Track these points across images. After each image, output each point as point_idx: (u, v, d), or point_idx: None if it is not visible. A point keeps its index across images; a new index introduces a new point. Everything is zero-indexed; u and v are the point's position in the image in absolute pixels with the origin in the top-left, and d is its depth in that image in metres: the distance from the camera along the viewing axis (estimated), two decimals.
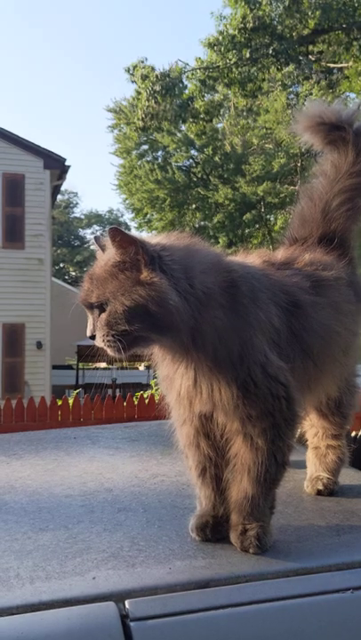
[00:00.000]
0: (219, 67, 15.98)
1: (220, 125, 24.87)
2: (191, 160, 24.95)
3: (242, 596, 1.09)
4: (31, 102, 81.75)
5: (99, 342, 1.25)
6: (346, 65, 16.93)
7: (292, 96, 21.00)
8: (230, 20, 15.63)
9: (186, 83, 16.73)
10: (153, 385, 9.92)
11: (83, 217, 43.43)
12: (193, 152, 24.61)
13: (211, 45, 15.87)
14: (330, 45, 17.05)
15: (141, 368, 15.37)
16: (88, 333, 1.27)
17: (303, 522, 1.45)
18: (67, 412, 7.34)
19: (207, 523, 1.34)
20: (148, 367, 13.13)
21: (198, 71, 16.44)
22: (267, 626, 1.07)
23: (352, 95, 17.22)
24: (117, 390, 12.83)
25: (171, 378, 1.32)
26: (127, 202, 26.97)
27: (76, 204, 44.13)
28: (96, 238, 1.35)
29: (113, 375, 13.78)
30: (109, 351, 1.24)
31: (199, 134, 21.03)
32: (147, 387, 12.51)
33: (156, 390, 7.41)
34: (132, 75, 16.08)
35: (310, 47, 17.09)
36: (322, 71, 18.00)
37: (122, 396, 7.54)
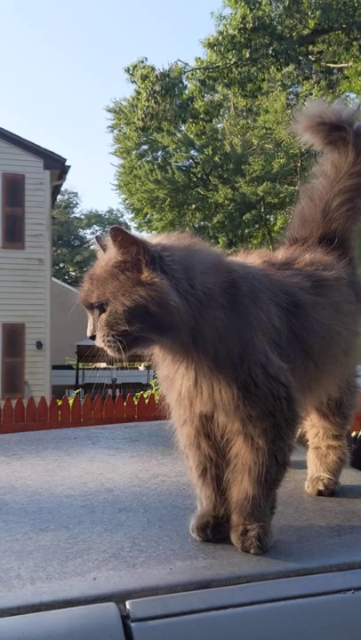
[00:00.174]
0: (219, 67, 15.97)
1: (219, 125, 24.90)
2: (191, 160, 24.96)
3: (243, 597, 1.09)
4: (31, 102, 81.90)
5: (99, 343, 1.24)
6: (346, 65, 16.92)
7: (291, 96, 21.03)
8: (230, 20, 15.62)
9: (186, 83, 16.71)
10: (153, 385, 9.92)
11: (83, 217, 43.46)
12: (193, 152, 24.63)
13: (211, 45, 15.85)
14: (330, 45, 17.04)
15: (141, 368, 15.38)
16: (88, 334, 1.26)
17: (304, 522, 1.45)
18: (67, 412, 7.35)
19: (208, 523, 1.34)
20: (148, 367, 13.13)
21: (198, 71, 16.42)
22: (268, 626, 1.07)
23: (352, 95, 17.24)
24: (117, 390, 12.83)
25: (171, 378, 1.32)
26: (127, 202, 27.01)
27: (76, 204, 44.17)
28: (97, 238, 1.35)
29: (113, 375, 13.78)
30: (110, 351, 1.24)
31: (199, 134, 21.01)
32: (147, 387, 12.52)
33: (156, 390, 7.41)
34: (132, 75, 16.06)
35: (310, 47, 17.07)
36: (322, 71, 17.99)
37: (122, 396, 7.55)
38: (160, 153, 25.50)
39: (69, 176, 16.96)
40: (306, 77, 18.05)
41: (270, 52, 15.59)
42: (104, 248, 1.31)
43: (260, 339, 1.29)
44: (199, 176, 24.44)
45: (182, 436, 1.39)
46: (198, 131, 19.41)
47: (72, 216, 42.99)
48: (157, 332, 1.22)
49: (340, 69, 17.38)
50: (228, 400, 1.26)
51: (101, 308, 1.23)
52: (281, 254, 1.57)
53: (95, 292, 1.24)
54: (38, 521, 1.46)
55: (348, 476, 1.76)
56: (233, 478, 1.33)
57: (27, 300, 14.43)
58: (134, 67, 15.97)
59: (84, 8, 74.26)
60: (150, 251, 1.22)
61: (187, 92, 16.60)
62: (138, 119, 16.51)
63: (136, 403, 7.44)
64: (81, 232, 42.67)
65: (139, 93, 16.12)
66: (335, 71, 17.73)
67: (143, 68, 15.82)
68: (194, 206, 24.70)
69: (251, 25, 15.05)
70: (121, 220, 39.67)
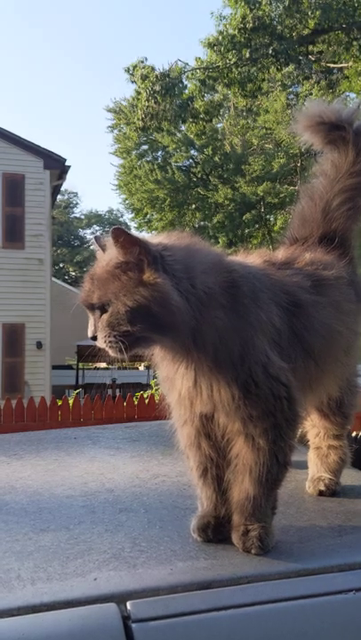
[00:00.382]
0: (219, 67, 15.97)
1: (219, 125, 24.89)
2: (191, 160, 24.96)
3: (244, 597, 1.09)
4: (31, 102, 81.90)
5: (100, 343, 1.24)
6: (346, 65, 16.92)
7: (291, 96, 21.03)
8: (230, 20, 15.62)
9: (186, 83, 16.71)
10: (153, 385, 9.92)
11: (83, 217, 43.47)
12: (193, 152, 24.63)
13: (211, 45, 15.85)
14: (330, 45, 17.04)
15: (141, 368, 15.39)
16: (89, 334, 1.26)
17: (305, 522, 1.44)
18: (67, 412, 7.35)
19: (209, 523, 1.34)
20: (148, 367, 13.13)
21: (198, 71, 16.42)
22: (269, 627, 1.07)
23: (352, 95, 17.23)
24: (117, 390, 12.83)
25: (171, 378, 1.32)
26: (127, 202, 27.02)
27: (76, 204, 44.19)
28: (96, 238, 1.34)
29: (113, 375, 13.78)
30: (111, 352, 1.23)
31: (199, 134, 21.01)
32: (147, 387, 12.52)
33: (157, 390, 7.41)
34: (132, 75, 16.06)
35: (310, 47, 17.07)
36: (322, 71, 17.99)
37: (122, 396, 7.54)
38: (160, 153, 25.50)
39: (69, 176, 16.97)
40: (306, 77, 18.05)
41: (270, 51, 15.59)
42: (103, 248, 1.30)
43: (260, 338, 1.29)
44: (199, 176, 24.44)
45: (183, 437, 1.39)
46: (198, 131, 19.41)
47: (72, 216, 43.01)
48: (158, 332, 1.22)
49: (340, 69, 17.38)
50: (228, 400, 1.26)
51: (103, 308, 1.23)
52: (281, 254, 1.57)
53: (96, 292, 1.23)
54: (39, 521, 1.46)
55: (350, 476, 1.76)
56: (234, 478, 1.33)
57: (27, 300, 14.43)
58: (134, 67, 15.98)
59: (84, 8, 74.33)
60: (152, 251, 1.21)
61: (187, 91, 16.61)
62: (138, 119, 16.51)
63: (136, 403, 7.44)
64: (81, 232, 42.70)
65: (139, 93, 16.12)
66: (335, 71, 17.73)
67: (143, 67, 15.82)
68: (194, 206, 24.70)
69: (251, 25, 15.05)
70: (121, 220, 39.72)
